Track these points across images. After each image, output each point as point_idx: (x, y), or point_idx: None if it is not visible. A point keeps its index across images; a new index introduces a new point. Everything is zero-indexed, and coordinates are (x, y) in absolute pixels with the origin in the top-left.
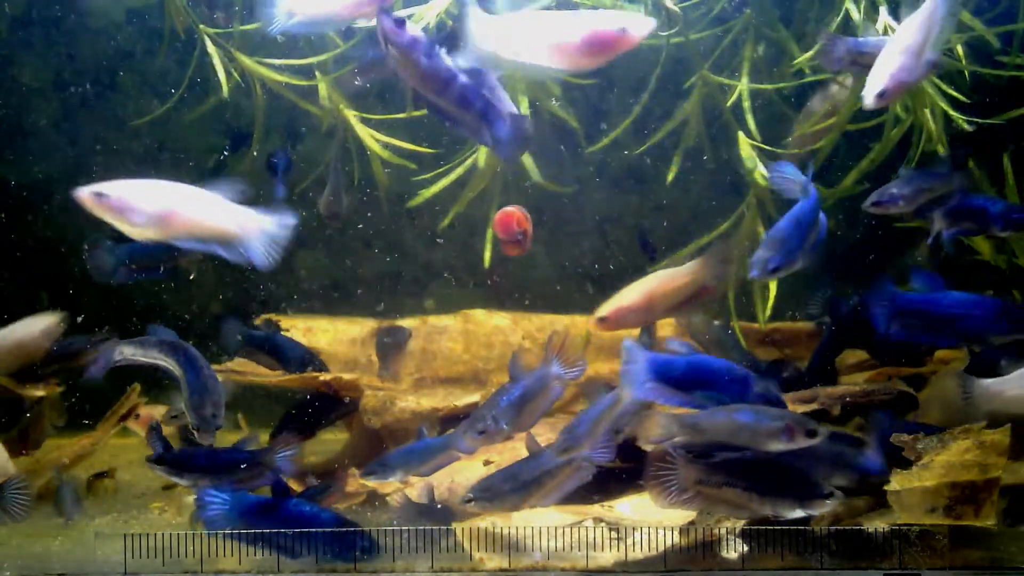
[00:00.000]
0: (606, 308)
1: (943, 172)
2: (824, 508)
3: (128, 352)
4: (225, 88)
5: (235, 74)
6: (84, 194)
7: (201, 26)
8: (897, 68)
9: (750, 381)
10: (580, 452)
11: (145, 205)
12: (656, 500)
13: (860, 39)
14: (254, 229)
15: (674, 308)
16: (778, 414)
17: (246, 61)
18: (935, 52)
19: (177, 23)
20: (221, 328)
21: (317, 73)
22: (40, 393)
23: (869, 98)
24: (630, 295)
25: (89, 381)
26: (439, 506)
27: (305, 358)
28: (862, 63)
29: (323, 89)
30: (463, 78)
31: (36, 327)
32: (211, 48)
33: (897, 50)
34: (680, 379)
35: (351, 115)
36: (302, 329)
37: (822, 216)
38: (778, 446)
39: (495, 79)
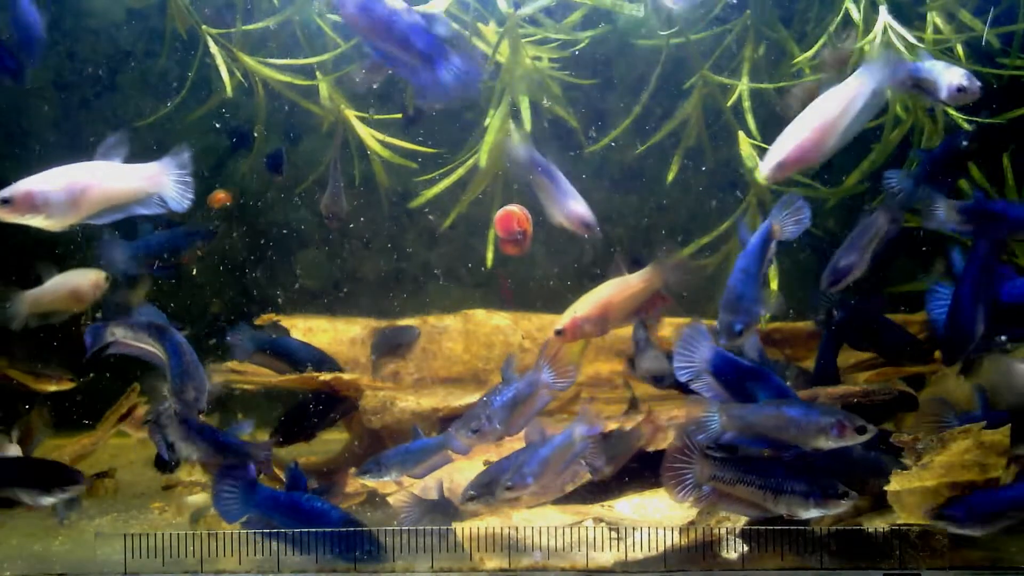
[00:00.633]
0: (563, 320)
1: (871, 218)
2: (839, 508)
3: (119, 333)
4: (229, 88)
5: (238, 74)
6: None
7: (204, 27)
8: (802, 142)
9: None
10: (526, 491)
11: (54, 195)
12: (671, 494)
13: (918, 64)
14: (161, 178)
15: (629, 316)
16: (828, 410)
17: (248, 61)
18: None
19: (179, 24)
20: (232, 332)
21: (318, 73)
22: (52, 388)
23: (765, 169)
24: (585, 306)
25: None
26: (446, 501)
27: (318, 361)
28: (922, 87)
29: (324, 89)
30: (407, 18)
31: (88, 278)
32: (214, 48)
33: (809, 124)
34: (736, 382)
35: (351, 115)
36: (302, 329)
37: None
38: (827, 443)
39: (448, 26)
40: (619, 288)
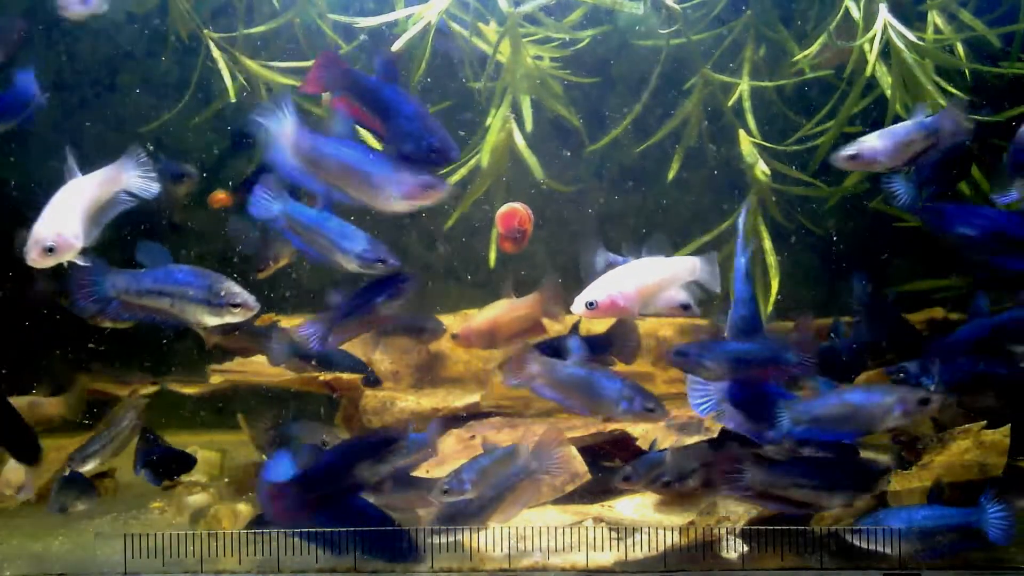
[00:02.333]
0: (460, 327)
1: (928, 123)
2: (885, 485)
3: (120, 285)
4: (232, 92)
5: (240, 78)
6: (35, 255)
7: (206, 31)
8: (621, 292)
9: None
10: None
11: (49, 232)
12: (725, 499)
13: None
14: (122, 176)
15: (513, 337)
16: (886, 389)
17: (250, 64)
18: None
19: (180, 28)
20: (270, 338)
21: None
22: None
23: (579, 305)
24: (479, 319)
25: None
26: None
27: (355, 367)
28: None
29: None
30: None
31: None
32: (216, 52)
33: (634, 277)
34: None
35: None
36: None
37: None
38: (894, 420)
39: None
40: (509, 309)
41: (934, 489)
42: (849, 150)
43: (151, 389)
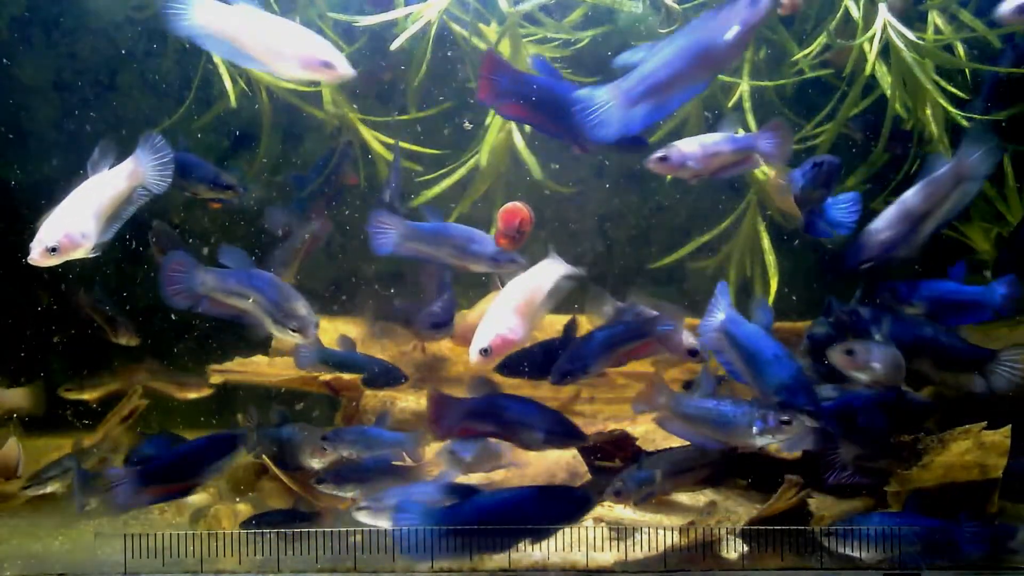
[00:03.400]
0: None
1: (741, 139)
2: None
3: (210, 283)
4: (232, 98)
5: (241, 82)
6: (36, 256)
7: None
8: (507, 327)
9: None
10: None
11: (89, 228)
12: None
13: None
14: (139, 171)
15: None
16: (752, 404)
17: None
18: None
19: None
20: (301, 343)
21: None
22: (194, 396)
23: (473, 355)
24: (473, 317)
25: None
26: None
27: (388, 372)
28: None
29: (327, 93)
30: None
31: None
32: (217, 59)
33: (508, 306)
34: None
35: (355, 118)
36: None
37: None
38: (755, 438)
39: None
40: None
41: (912, 498)
42: (659, 152)
43: (206, 392)
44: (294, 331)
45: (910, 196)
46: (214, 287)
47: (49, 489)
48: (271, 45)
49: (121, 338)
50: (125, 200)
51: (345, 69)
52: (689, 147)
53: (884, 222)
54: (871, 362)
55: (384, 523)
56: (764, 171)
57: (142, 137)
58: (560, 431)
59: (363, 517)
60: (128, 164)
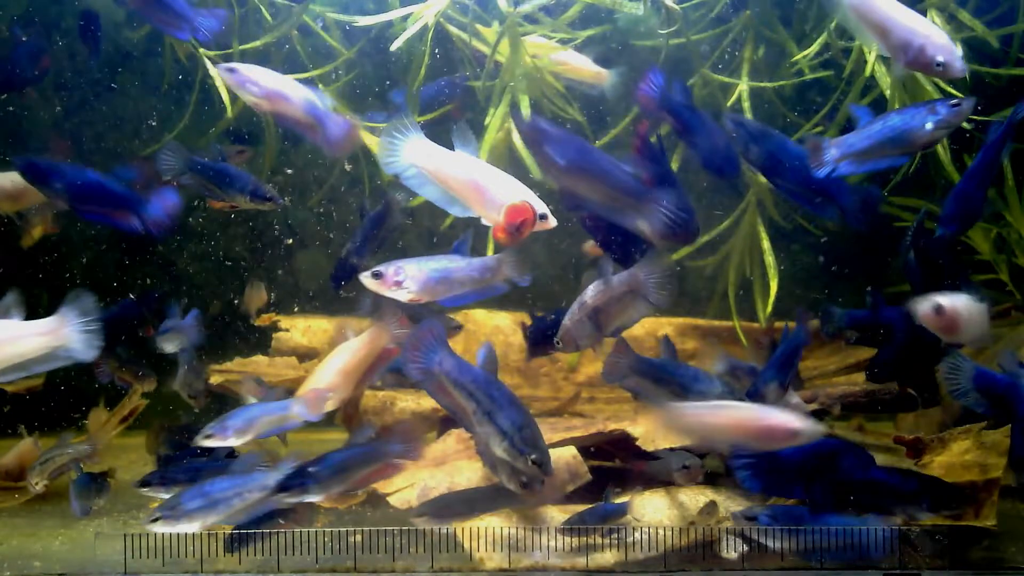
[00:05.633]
0: (304, 388)
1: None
2: None
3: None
4: (230, 110)
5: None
6: None
7: (201, 50)
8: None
9: None
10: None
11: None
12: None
13: None
14: (62, 331)
15: (368, 375)
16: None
17: None
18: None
19: (178, 49)
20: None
21: (320, 85)
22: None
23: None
24: (324, 372)
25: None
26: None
27: None
28: None
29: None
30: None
31: None
32: (213, 71)
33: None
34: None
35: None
36: (302, 329)
37: None
38: None
39: None
40: (351, 353)
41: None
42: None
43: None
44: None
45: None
46: (448, 373)
47: (58, 463)
48: (481, 193)
49: (146, 386)
50: (34, 357)
51: (553, 220)
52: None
53: None
54: (958, 315)
55: (189, 528)
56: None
57: (70, 295)
58: None
59: (159, 528)
60: (51, 321)
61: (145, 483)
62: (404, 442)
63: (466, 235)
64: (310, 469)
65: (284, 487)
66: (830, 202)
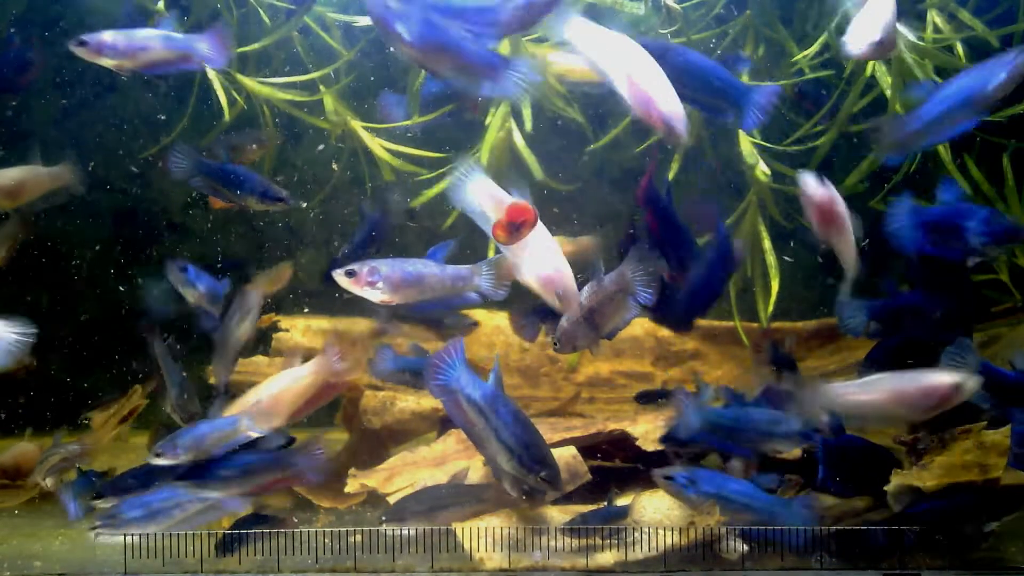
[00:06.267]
0: (244, 402)
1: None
2: None
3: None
4: (227, 113)
5: (240, 100)
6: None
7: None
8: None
9: None
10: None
11: None
12: None
13: None
14: None
15: (306, 407)
16: None
17: (247, 82)
18: None
19: None
20: (377, 352)
21: (322, 87)
22: None
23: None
24: (262, 395)
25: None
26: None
27: None
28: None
29: (329, 103)
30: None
31: None
32: (211, 73)
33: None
34: None
35: (357, 125)
36: (302, 329)
37: None
38: None
39: None
40: (289, 382)
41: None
42: (80, 37)
43: None
44: None
45: None
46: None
47: (56, 459)
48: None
49: (148, 386)
50: None
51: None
52: (115, 38)
53: None
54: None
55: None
56: (764, 172)
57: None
58: None
59: (104, 538)
60: None
61: (98, 495)
62: (309, 463)
63: (446, 243)
64: (213, 466)
65: (182, 477)
66: (730, 107)
